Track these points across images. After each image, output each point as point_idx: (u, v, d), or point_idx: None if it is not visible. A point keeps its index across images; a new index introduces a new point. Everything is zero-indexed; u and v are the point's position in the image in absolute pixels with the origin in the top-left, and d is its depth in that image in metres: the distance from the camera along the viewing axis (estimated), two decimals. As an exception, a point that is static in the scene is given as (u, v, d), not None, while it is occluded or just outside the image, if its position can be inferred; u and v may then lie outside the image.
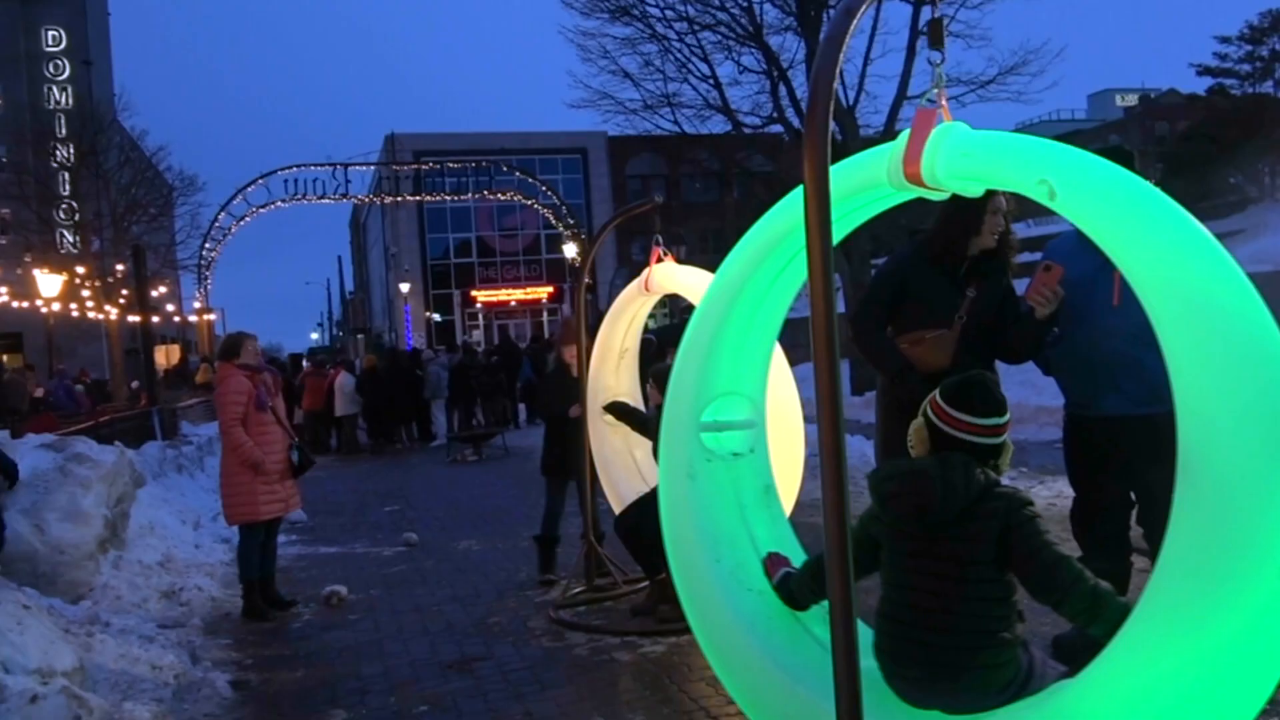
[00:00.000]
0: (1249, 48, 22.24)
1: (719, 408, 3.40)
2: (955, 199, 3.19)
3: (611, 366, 6.68)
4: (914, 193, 2.84)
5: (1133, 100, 60.51)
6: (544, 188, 36.01)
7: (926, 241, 4.50)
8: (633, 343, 6.80)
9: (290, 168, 33.99)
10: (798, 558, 3.34)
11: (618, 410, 6.38)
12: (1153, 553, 4.19)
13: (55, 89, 39.12)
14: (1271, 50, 21.38)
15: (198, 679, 5.08)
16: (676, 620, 5.55)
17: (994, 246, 4.43)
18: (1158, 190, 2.47)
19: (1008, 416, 2.80)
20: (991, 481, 2.70)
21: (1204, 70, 23.84)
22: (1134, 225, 2.39)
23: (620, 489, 6.55)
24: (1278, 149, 19.99)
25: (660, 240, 6.01)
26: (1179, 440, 2.26)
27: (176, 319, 44.76)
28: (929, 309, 4.41)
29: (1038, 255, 4.33)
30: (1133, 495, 4.25)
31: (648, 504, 6.10)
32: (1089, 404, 4.26)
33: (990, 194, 3.96)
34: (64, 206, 36.50)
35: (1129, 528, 4.30)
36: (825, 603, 3.21)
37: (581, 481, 6.67)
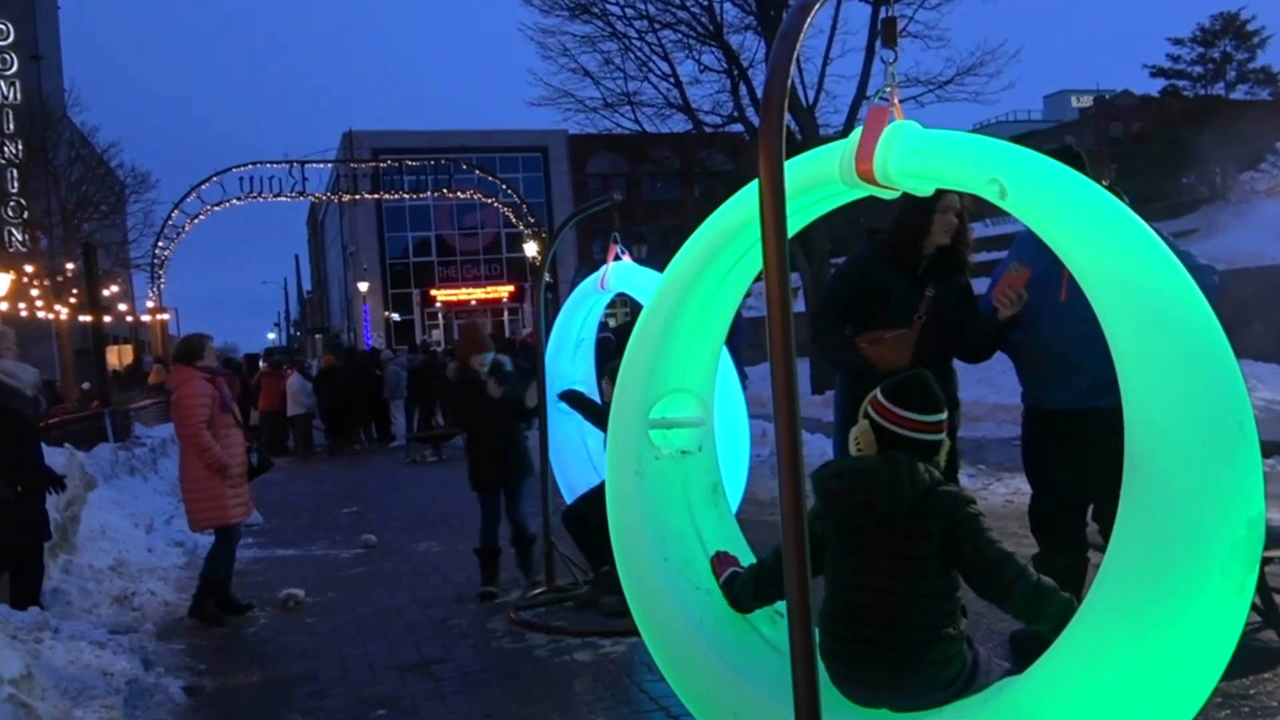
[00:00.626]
0: (1200, 49, 22.64)
1: (668, 405, 3.38)
2: (907, 198, 3.21)
3: (568, 355, 6.69)
4: (865, 190, 2.86)
5: (1088, 101, 61.36)
6: (504, 186, 35.89)
7: (883, 241, 4.54)
8: (589, 334, 6.81)
9: (246, 165, 33.61)
10: (745, 557, 3.35)
11: (572, 399, 6.38)
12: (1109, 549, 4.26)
13: (3, 84, 38.31)
14: (1223, 52, 21.78)
15: (150, 685, 5.01)
16: (622, 612, 5.60)
17: (949, 244, 4.46)
18: (1104, 190, 2.50)
19: (944, 414, 2.86)
20: (936, 480, 2.74)
21: (1157, 71, 24.26)
22: (1080, 224, 2.42)
23: (571, 478, 6.55)
24: (1229, 150, 20.37)
25: (618, 238, 6.02)
26: (1126, 438, 2.29)
27: (129, 319, 44.08)
28: (888, 308, 4.44)
29: (998, 254, 4.39)
30: (1088, 491, 4.30)
31: (595, 496, 6.13)
32: (1042, 397, 4.32)
33: (941, 193, 3.97)
34: (12, 204, 35.83)
35: (1085, 524, 4.36)
36: (776, 603, 3.24)
37: (538, 482, 6.66)
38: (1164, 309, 2.27)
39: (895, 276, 4.48)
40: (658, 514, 3.30)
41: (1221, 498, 2.16)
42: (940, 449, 2.85)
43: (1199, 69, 22.79)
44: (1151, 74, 24.42)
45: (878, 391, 2.88)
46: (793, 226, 3.33)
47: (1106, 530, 4.26)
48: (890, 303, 4.45)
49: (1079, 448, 4.18)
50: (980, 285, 4.51)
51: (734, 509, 3.83)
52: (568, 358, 6.68)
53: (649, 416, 3.34)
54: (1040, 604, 2.57)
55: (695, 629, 3.09)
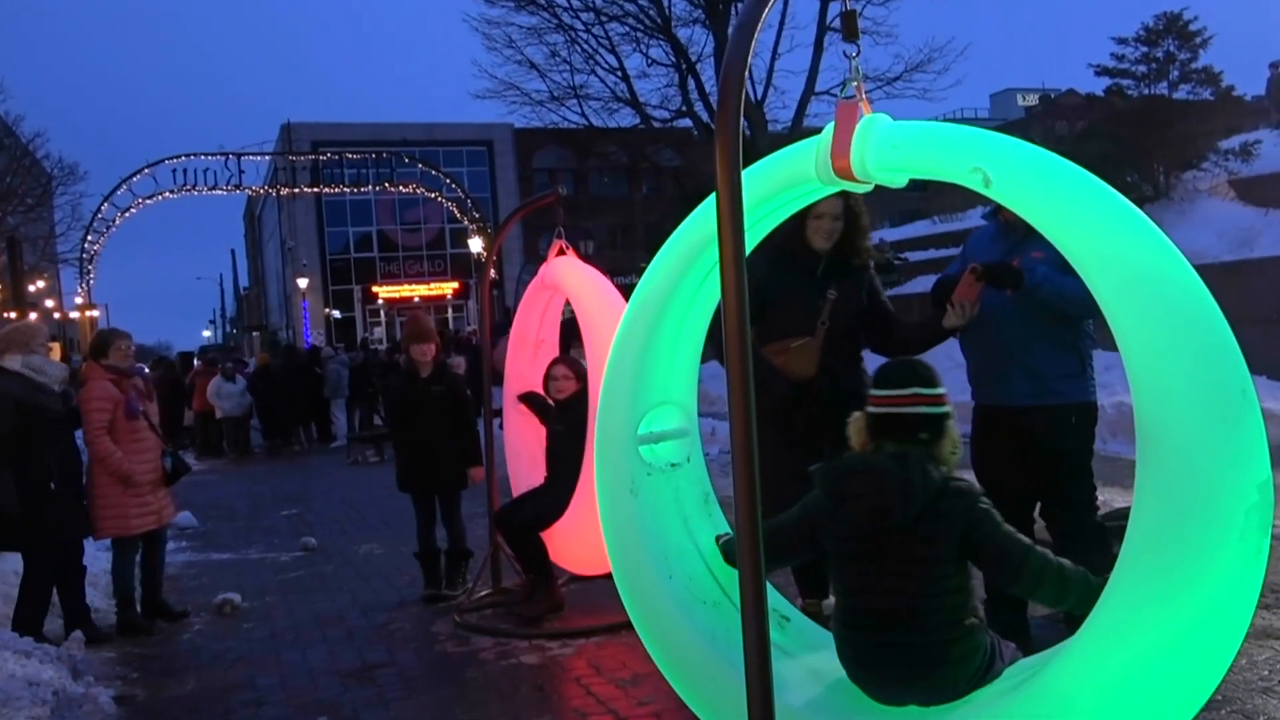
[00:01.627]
0: (1144, 49, 23.08)
1: (653, 419, 3.37)
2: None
3: (527, 356, 6.65)
4: (840, 186, 2.87)
5: (1034, 100, 62.37)
6: (448, 180, 35.60)
7: (779, 245, 4.41)
8: (549, 334, 6.78)
9: (179, 157, 32.92)
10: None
11: (531, 401, 6.36)
12: (1056, 545, 4.33)
13: (-80, 70, 37.28)
14: (1166, 52, 22.22)
15: (79, 695, 4.89)
16: (533, 619, 5.64)
17: (828, 248, 4.46)
18: (1087, 173, 2.53)
19: (942, 388, 2.86)
20: (947, 477, 2.74)
21: (1102, 70, 24.65)
22: (1069, 207, 2.45)
23: (525, 479, 6.53)
24: (1172, 149, 20.80)
25: (562, 233, 6.00)
26: (1135, 412, 2.33)
27: (56, 315, 43.08)
28: (791, 314, 4.47)
29: (948, 251, 4.43)
30: (1035, 488, 4.37)
31: (524, 497, 6.12)
32: (988, 394, 4.39)
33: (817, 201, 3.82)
34: (-70, 196, 34.83)
35: (1033, 521, 4.43)
36: (784, 606, 3.26)
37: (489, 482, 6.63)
38: (1160, 283, 2.31)
39: (795, 280, 4.47)
40: (656, 531, 3.29)
41: (1233, 464, 2.22)
42: (947, 422, 2.83)
43: (1143, 68, 23.23)
44: (1096, 73, 24.84)
45: (915, 389, 2.86)
46: (762, 231, 3.35)
47: (1054, 527, 4.34)
48: (792, 308, 4.45)
49: (1024, 445, 4.25)
50: (925, 283, 4.55)
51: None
52: (527, 358, 6.63)
53: (637, 433, 3.32)
54: (1067, 588, 2.62)
55: (708, 643, 3.09)
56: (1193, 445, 2.22)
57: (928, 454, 2.77)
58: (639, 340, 3.33)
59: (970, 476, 3.16)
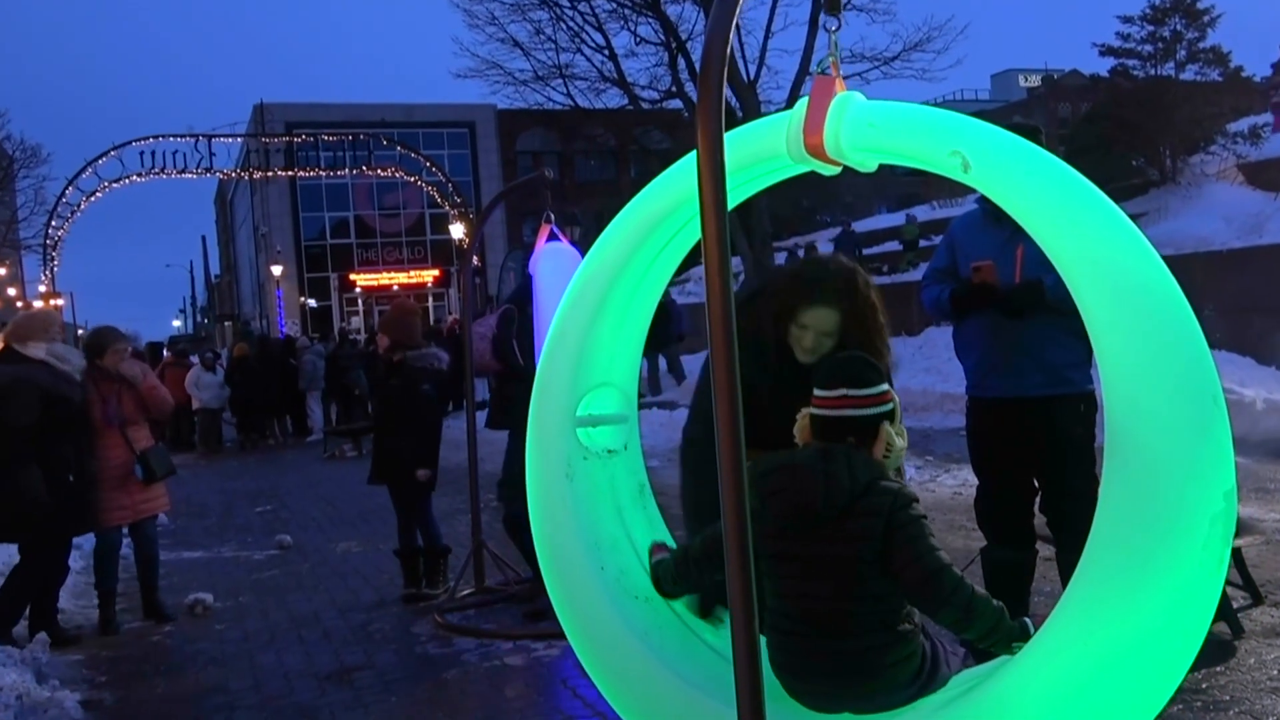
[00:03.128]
0: (1151, 28, 23.14)
1: (592, 401, 3.31)
2: (760, 301, 3.30)
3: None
4: (810, 165, 2.84)
5: (1036, 81, 62.55)
6: (428, 164, 35.52)
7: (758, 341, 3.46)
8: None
9: (147, 139, 32.79)
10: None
11: None
12: (1057, 540, 4.35)
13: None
14: (1173, 30, 22.29)
15: (44, 699, 4.88)
16: (537, 616, 5.63)
17: (811, 361, 3.29)
18: (1068, 166, 2.54)
19: (883, 387, 2.81)
20: (875, 476, 2.69)
21: (1106, 50, 24.69)
22: (1049, 201, 2.45)
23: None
24: (1178, 132, 20.89)
25: (550, 217, 5.96)
26: (1106, 415, 2.36)
27: (19, 304, 42.90)
28: (776, 418, 3.52)
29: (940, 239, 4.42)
30: (1036, 483, 4.39)
31: None
32: (990, 386, 4.40)
33: (808, 303, 3.26)
34: (-114, 179, 34.63)
35: (1033, 516, 4.45)
36: (720, 609, 3.23)
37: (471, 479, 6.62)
38: (1137, 286, 2.33)
39: (783, 381, 3.32)
40: (590, 519, 3.22)
41: (1201, 472, 2.24)
42: (883, 424, 2.77)
43: (1148, 48, 23.29)
44: (1101, 53, 24.88)
45: (844, 390, 2.79)
46: (729, 203, 3.30)
47: (1054, 522, 4.36)
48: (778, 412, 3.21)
49: (1028, 437, 4.27)
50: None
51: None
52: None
53: (576, 414, 3.26)
54: (974, 618, 2.59)
55: (639, 639, 3.03)
56: (1162, 450, 2.25)
57: (855, 451, 2.72)
58: (585, 314, 3.24)
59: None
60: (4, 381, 5.83)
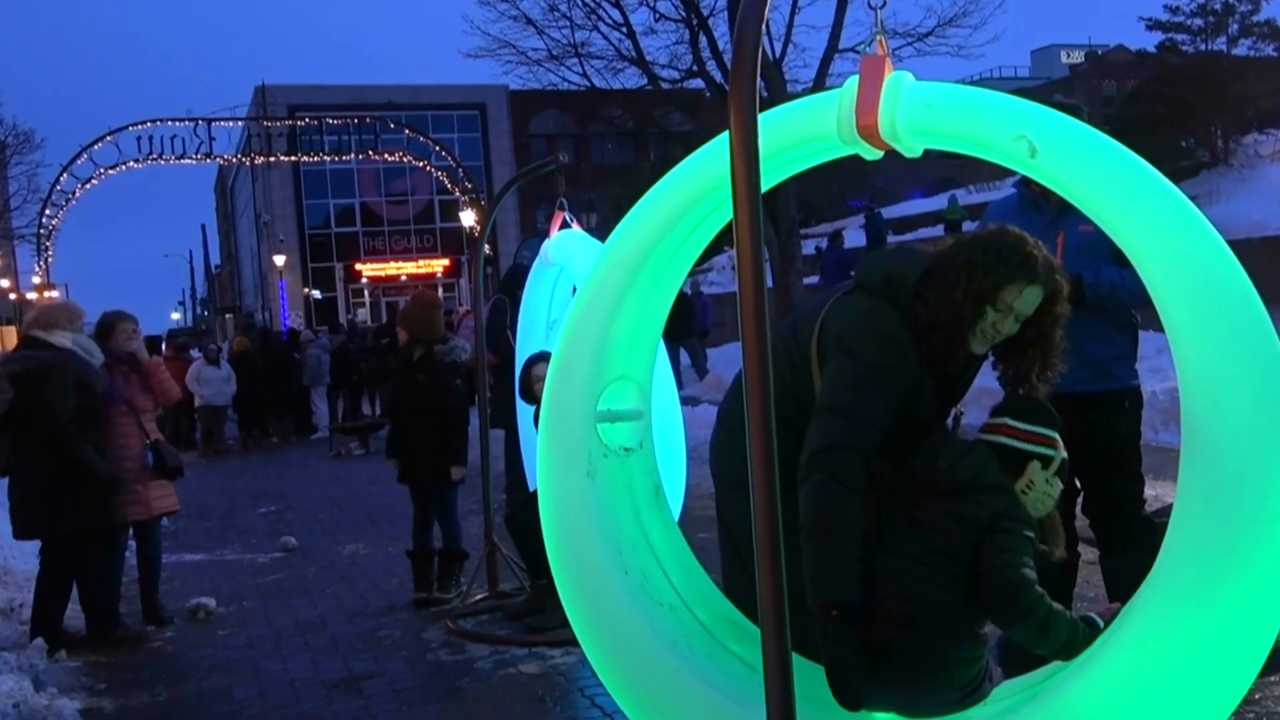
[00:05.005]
0: (1201, 0, 22.92)
1: (611, 395, 3.28)
2: (942, 291, 2.90)
3: (539, 339, 6.66)
4: (857, 148, 2.83)
5: (1079, 57, 62.05)
6: (437, 148, 35.61)
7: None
8: (561, 314, 6.80)
9: (144, 123, 32.97)
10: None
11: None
12: (1101, 544, 4.34)
13: None
14: (1225, 3, 22.06)
15: (41, 707, 4.94)
16: (547, 630, 5.63)
17: (983, 354, 3.16)
18: (1137, 156, 2.54)
19: (1053, 434, 2.96)
20: (1006, 486, 2.82)
21: (1154, 24, 24.48)
22: (1127, 194, 2.47)
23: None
24: (1231, 110, 20.70)
25: (564, 204, 5.97)
26: (1183, 413, 2.40)
27: (12, 296, 43.24)
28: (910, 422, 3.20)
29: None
30: (1078, 482, 4.38)
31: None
32: None
33: (1003, 283, 2.93)
34: (-128, 165, 34.95)
35: (1074, 517, 4.44)
36: (742, 621, 3.24)
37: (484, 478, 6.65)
38: (1215, 284, 2.38)
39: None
40: (611, 522, 3.19)
41: None
42: (1043, 468, 2.90)
43: (1199, 21, 23.06)
44: (1148, 27, 24.67)
45: (1006, 419, 2.94)
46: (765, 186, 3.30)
47: (1099, 525, 4.35)
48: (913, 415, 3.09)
49: (1080, 436, 4.24)
50: None
51: (675, 514, 3.76)
52: (539, 342, 6.64)
53: (596, 408, 3.23)
54: (1045, 635, 2.66)
55: (669, 650, 3.02)
56: (1244, 451, 2.31)
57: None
58: (606, 303, 3.22)
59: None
60: (39, 366, 5.97)
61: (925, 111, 2.67)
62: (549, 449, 3.27)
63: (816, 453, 2.84)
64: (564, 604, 3.23)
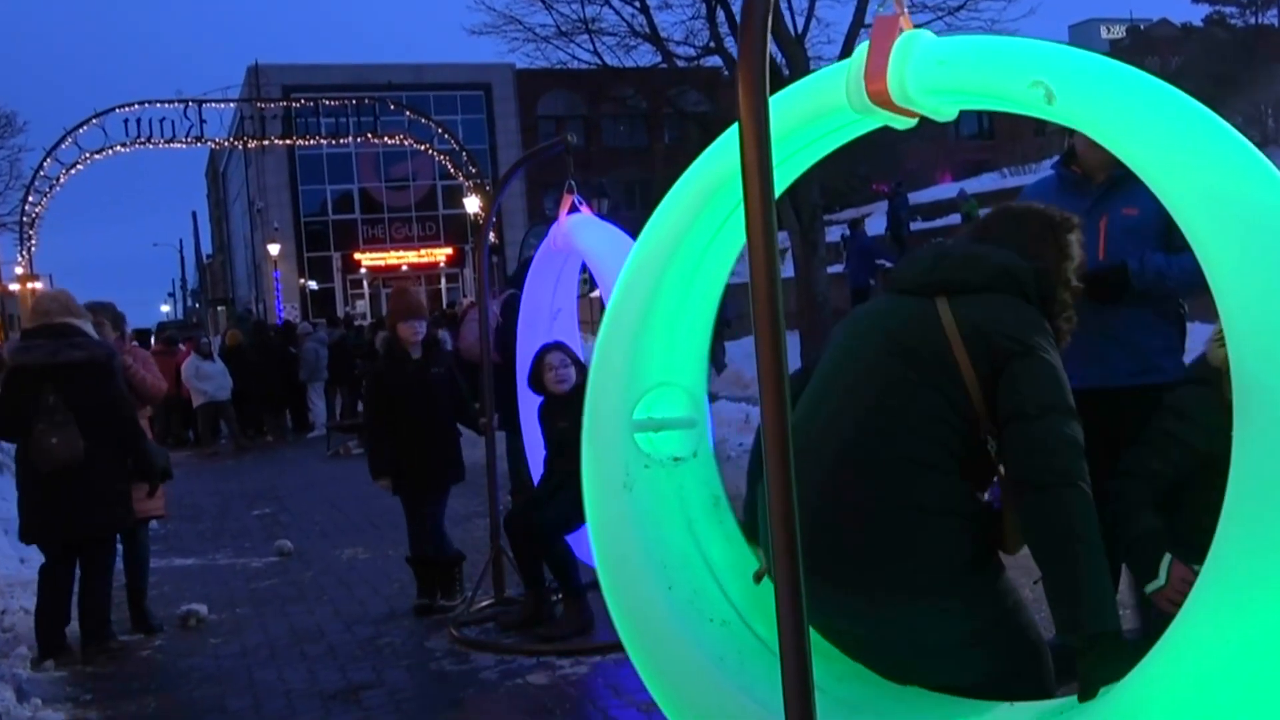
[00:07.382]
0: (1251, -29, 22.81)
1: (652, 402, 3.28)
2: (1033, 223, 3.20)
3: (543, 329, 6.68)
4: (878, 118, 2.77)
5: (1120, 32, 61.79)
6: (440, 130, 35.63)
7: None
8: (565, 302, 6.80)
9: (132, 105, 33.05)
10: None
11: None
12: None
13: None
14: (1276, -26, 21.95)
15: (25, 719, 4.97)
16: (557, 640, 5.65)
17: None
18: (1173, 87, 2.43)
19: None
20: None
21: (1200, -3, 24.47)
22: (1159, 126, 2.35)
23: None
24: (1282, 88, 20.60)
25: (573, 187, 5.95)
26: (1234, 370, 2.28)
27: (-6, 287, 43.49)
28: None
29: None
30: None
31: (539, 497, 6.12)
32: (1083, 375, 4.35)
33: (1064, 233, 3.27)
34: None
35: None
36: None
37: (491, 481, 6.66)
38: (1269, 223, 2.22)
39: None
40: (655, 535, 3.18)
41: None
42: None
43: (1249, -7, 22.99)
44: (1193, 0, 24.62)
45: None
46: (791, 172, 3.25)
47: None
48: None
49: (1123, 431, 4.21)
50: None
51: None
52: (543, 332, 6.65)
53: (634, 417, 3.22)
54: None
55: (715, 667, 3.00)
56: None
57: None
58: (637, 304, 3.21)
59: None
60: (96, 354, 6.13)
61: (937, 70, 2.60)
62: (588, 462, 3.30)
63: (1069, 457, 2.89)
64: (613, 616, 3.25)
